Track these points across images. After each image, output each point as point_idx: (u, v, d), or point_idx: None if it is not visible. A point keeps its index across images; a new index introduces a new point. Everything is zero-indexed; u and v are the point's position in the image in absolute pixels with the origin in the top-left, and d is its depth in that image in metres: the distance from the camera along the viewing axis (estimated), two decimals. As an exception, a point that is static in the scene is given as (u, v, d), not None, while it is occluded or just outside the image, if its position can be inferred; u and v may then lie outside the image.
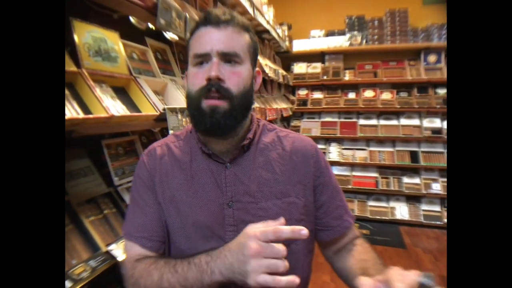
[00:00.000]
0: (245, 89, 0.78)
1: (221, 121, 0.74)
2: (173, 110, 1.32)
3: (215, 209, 0.79)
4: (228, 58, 0.76)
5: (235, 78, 0.76)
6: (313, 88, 4.59)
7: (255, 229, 0.63)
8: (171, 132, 1.28)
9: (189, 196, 0.81)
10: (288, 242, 0.75)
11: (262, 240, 0.61)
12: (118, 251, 1.01)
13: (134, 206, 0.85)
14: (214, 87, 0.74)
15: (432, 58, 4.14)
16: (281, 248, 0.61)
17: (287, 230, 0.62)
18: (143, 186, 0.84)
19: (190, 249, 0.79)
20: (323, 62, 4.58)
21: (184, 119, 1.39)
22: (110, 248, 1.00)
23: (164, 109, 1.26)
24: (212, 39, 0.75)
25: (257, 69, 0.85)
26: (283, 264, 0.60)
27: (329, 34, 4.49)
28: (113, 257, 0.98)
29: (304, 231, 0.62)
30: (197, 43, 0.78)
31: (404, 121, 4.14)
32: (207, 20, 0.77)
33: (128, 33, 1.38)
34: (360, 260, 0.82)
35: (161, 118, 1.26)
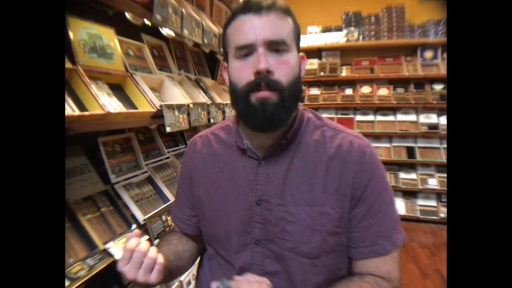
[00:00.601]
0: (294, 78, 0.72)
1: (274, 114, 0.70)
2: (170, 107, 1.31)
3: (244, 205, 0.79)
4: (275, 47, 0.69)
5: (284, 68, 0.70)
6: (310, 84, 4.58)
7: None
8: (168, 129, 1.28)
9: (221, 190, 0.82)
10: (318, 253, 0.75)
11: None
12: (116, 249, 1.00)
13: (177, 188, 0.98)
14: (264, 81, 0.68)
15: (428, 54, 4.14)
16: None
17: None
18: (181, 174, 0.95)
19: (220, 239, 0.84)
20: (320, 58, 4.57)
21: (181, 116, 1.38)
22: (107, 246, 1.00)
23: (161, 106, 1.25)
24: (255, 28, 0.69)
25: (301, 53, 0.78)
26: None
27: (326, 30, 4.48)
28: (110, 255, 0.97)
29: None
30: (238, 33, 0.71)
31: (400, 117, 4.15)
32: (247, 7, 0.70)
33: (124, 29, 1.36)
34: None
35: (158, 115, 1.25)
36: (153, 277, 0.68)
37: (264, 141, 0.78)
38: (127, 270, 0.67)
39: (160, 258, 0.69)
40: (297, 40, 0.76)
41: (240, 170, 0.81)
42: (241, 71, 0.71)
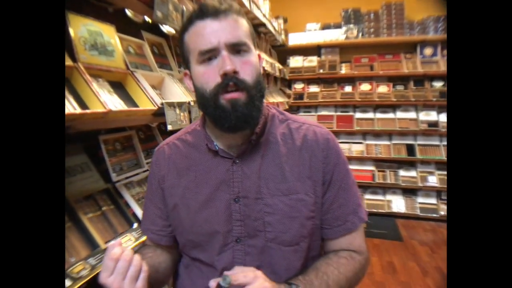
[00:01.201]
0: (257, 77, 0.75)
1: (246, 113, 0.72)
2: (171, 105, 1.30)
3: (222, 205, 0.80)
4: (237, 48, 0.72)
5: (248, 68, 0.73)
6: (309, 81, 4.57)
7: None
8: (169, 127, 1.27)
9: (197, 194, 0.82)
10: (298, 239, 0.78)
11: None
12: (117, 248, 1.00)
13: (145, 200, 0.95)
14: (232, 81, 0.71)
15: (428, 51, 4.13)
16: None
17: None
18: (150, 185, 0.92)
19: (201, 243, 0.83)
20: (319, 55, 4.56)
21: (182, 114, 1.38)
22: (109, 245, 0.99)
23: (162, 104, 1.25)
24: (216, 32, 0.71)
25: (257, 52, 0.81)
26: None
27: (325, 27, 4.46)
28: (112, 254, 0.97)
29: None
30: (199, 38, 0.73)
31: (400, 114, 4.14)
32: (204, 13, 0.72)
33: (124, 26, 1.35)
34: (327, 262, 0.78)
35: (159, 113, 1.25)
36: (140, 285, 0.66)
37: (235, 140, 0.80)
38: (112, 282, 0.64)
39: (145, 266, 0.68)
40: (253, 39, 0.79)
41: (214, 171, 0.82)
42: (208, 76, 0.73)
